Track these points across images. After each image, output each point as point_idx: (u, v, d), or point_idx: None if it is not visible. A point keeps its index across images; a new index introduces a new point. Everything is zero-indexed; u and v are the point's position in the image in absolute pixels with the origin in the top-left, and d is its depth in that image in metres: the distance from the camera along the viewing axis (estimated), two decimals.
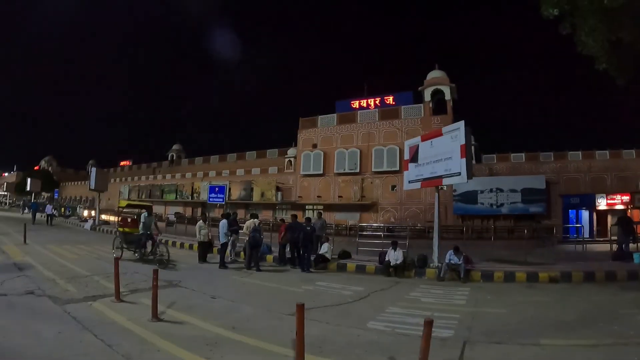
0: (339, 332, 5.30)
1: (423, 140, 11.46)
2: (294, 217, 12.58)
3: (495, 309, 6.93)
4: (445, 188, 11.93)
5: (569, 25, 7.77)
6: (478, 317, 6.29)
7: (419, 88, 28.95)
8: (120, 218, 14.03)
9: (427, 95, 28.34)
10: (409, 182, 12.11)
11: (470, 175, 9.61)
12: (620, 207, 21.53)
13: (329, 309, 6.49)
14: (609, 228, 18.47)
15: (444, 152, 10.30)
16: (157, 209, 33.82)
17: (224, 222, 11.83)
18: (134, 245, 11.40)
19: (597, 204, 22.79)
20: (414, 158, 11.74)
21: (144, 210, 12.06)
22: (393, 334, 5.27)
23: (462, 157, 9.61)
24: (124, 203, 14.66)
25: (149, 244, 11.06)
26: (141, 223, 11.22)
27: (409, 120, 28.79)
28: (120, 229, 12.54)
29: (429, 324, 2.99)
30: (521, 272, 9.81)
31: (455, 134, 9.93)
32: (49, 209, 25.70)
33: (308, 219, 12.20)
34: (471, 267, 10.28)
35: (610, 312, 6.59)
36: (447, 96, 27.67)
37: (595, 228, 22.30)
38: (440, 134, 10.64)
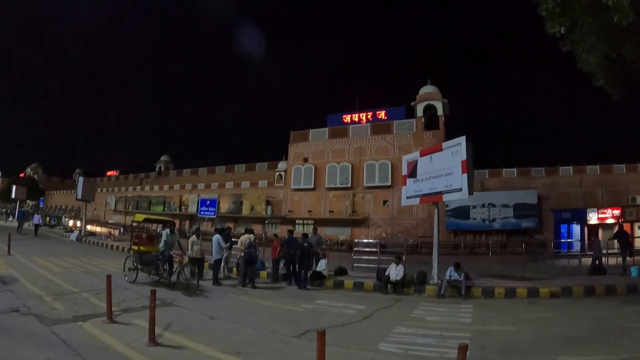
0: (352, 355, 5.05)
1: (422, 155, 11.35)
2: (290, 232, 12.26)
3: (503, 326, 6.82)
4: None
5: (569, 42, 7.85)
6: (488, 335, 6.16)
7: (412, 103, 29.25)
8: (134, 234, 12.43)
9: (420, 110, 28.62)
10: (407, 197, 11.93)
11: (471, 191, 9.52)
12: (611, 221, 21.82)
13: (336, 330, 6.21)
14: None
15: (444, 168, 10.20)
16: None
17: (217, 237, 11.38)
18: (151, 267, 9.99)
19: (588, 218, 23.06)
20: (413, 173, 11.60)
21: (161, 226, 10.98)
22: (407, 356, 5.06)
23: (463, 172, 9.54)
24: (140, 217, 12.53)
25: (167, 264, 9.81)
26: (162, 241, 9.95)
27: (401, 135, 28.95)
28: (135, 247, 10.82)
29: (463, 349, 2.80)
30: (522, 288, 9.73)
31: (456, 150, 9.87)
32: (37, 218, 24.80)
33: (305, 235, 11.91)
34: (470, 283, 10.15)
35: (616, 326, 6.56)
36: (440, 111, 28.00)
37: (586, 242, 22.52)
38: (440, 149, 10.56)
